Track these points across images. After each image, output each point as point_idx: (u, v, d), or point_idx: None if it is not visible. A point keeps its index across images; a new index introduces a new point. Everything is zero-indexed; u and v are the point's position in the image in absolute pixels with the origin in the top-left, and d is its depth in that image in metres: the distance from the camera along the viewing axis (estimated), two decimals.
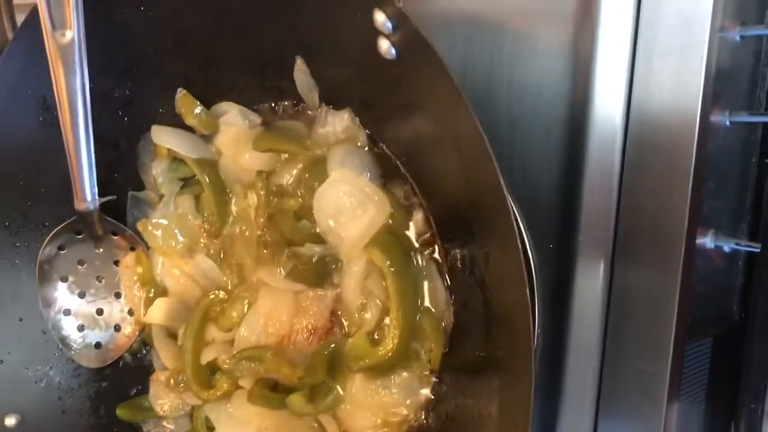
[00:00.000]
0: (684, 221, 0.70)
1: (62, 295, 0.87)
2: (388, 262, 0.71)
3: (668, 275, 0.69)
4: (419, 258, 0.74)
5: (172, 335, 0.87)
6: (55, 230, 0.84)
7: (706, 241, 0.73)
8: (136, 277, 0.88)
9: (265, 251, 0.80)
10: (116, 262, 0.89)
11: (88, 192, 0.79)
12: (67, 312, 0.86)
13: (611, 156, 0.73)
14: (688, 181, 0.69)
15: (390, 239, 0.73)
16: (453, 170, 0.64)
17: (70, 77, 0.71)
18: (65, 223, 0.84)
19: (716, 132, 0.72)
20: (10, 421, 0.82)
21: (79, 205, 0.80)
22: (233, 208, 0.83)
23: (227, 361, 0.78)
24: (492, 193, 0.54)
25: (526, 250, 0.57)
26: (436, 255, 0.74)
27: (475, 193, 0.59)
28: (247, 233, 0.82)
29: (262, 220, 0.81)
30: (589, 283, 0.72)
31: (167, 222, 0.84)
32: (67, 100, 0.72)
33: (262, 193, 0.81)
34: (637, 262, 0.70)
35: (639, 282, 0.70)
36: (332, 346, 0.77)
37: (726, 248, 0.75)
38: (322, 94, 0.79)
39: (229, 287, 0.83)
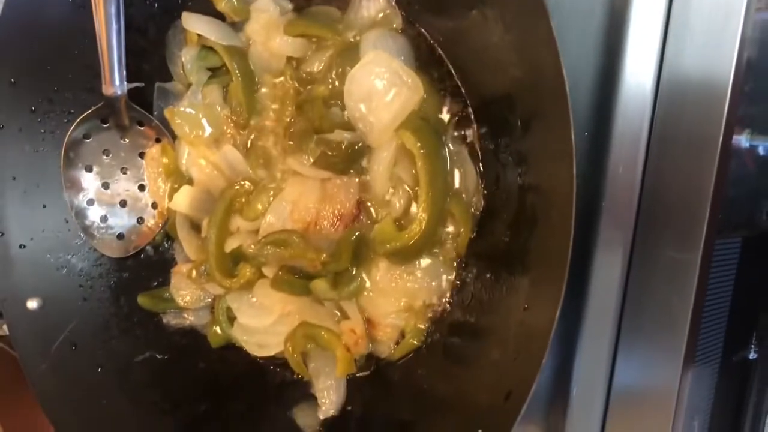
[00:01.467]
0: (722, 118, 0.68)
1: (86, 184, 0.87)
2: (419, 144, 0.70)
3: (703, 168, 0.68)
4: (451, 142, 0.73)
5: (195, 227, 0.87)
6: (81, 116, 0.83)
7: (742, 139, 0.72)
8: (161, 169, 0.88)
9: (292, 141, 0.79)
10: (141, 155, 0.88)
11: (117, 76, 0.79)
12: (90, 202, 0.86)
13: (650, 52, 0.71)
14: (728, 79, 0.68)
15: (422, 123, 0.72)
16: (499, 48, 0.63)
17: None
18: (92, 109, 0.83)
19: (757, 29, 0.71)
20: (32, 304, 0.82)
21: (107, 90, 0.80)
22: (261, 97, 0.82)
23: (252, 246, 0.78)
24: (548, 64, 0.53)
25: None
26: (469, 138, 0.73)
27: (527, 68, 0.58)
28: (274, 123, 0.81)
29: (290, 108, 0.80)
30: (623, 175, 0.71)
31: (194, 111, 0.83)
32: None
33: (291, 81, 0.80)
34: (672, 156, 0.69)
35: (674, 174, 0.69)
36: (357, 234, 0.76)
37: (761, 149, 0.74)
38: None
39: (255, 178, 0.82)
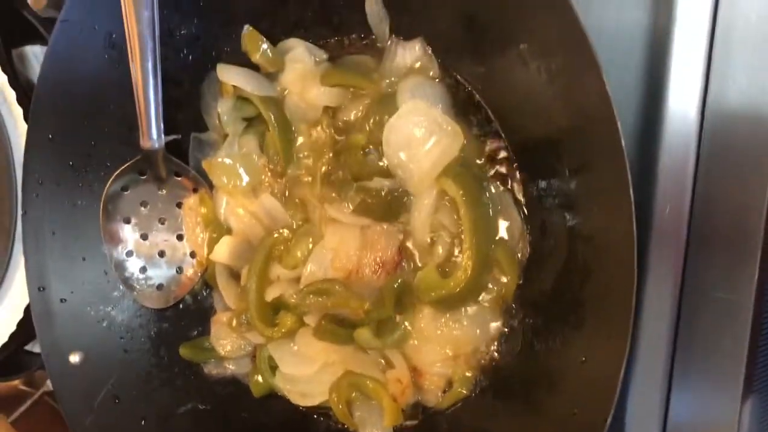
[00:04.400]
0: None
1: (125, 236, 0.87)
2: (461, 192, 0.70)
3: (754, 204, 0.67)
4: (493, 188, 0.73)
5: (234, 276, 0.87)
6: (119, 170, 0.83)
7: None
8: (199, 219, 0.88)
9: (330, 189, 0.79)
10: (179, 204, 0.89)
11: (154, 130, 0.79)
12: (129, 253, 0.86)
13: (694, 86, 0.70)
14: None
15: (463, 170, 0.72)
16: (542, 96, 0.62)
17: (140, 10, 0.71)
18: (130, 162, 0.84)
19: None
20: (74, 358, 0.82)
21: (145, 144, 0.80)
22: (298, 146, 0.82)
23: (294, 295, 0.77)
24: (599, 116, 0.53)
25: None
26: (512, 184, 0.72)
27: (574, 117, 0.58)
28: (312, 171, 0.81)
29: (327, 156, 0.80)
30: (669, 214, 0.70)
31: (232, 161, 0.84)
32: (137, 33, 0.72)
33: (327, 129, 0.80)
34: (720, 192, 0.68)
35: (722, 211, 0.68)
36: (400, 281, 0.75)
37: None
38: (392, 26, 0.77)
39: (294, 226, 0.82)
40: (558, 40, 0.57)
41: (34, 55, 1.02)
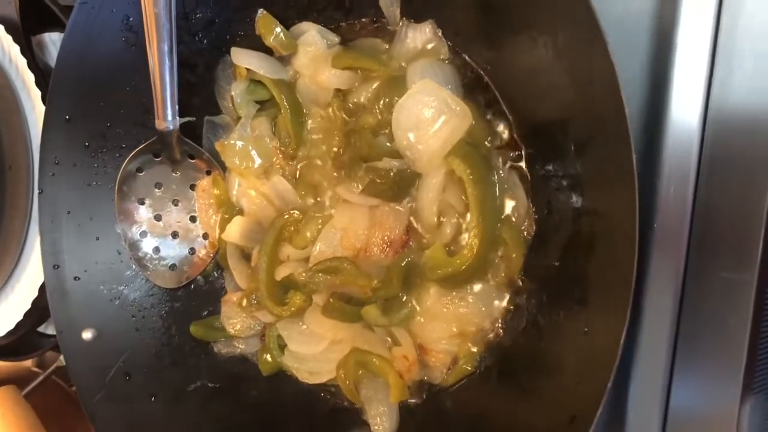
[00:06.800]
0: None
1: (139, 217, 0.89)
2: (469, 171, 0.71)
3: (757, 184, 0.68)
4: (500, 168, 0.74)
5: (245, 257, 0.88)
6: (135, 151, 0.85)
7: None
8: (211, 200, 0.90)
9: (340, 170, 0.80)
10: (192, 186, 0.90)
11: (169, 111, 0.81)
12: (143, 234, 0.88)
13: (698, 78, 0.71)
14: None
15: (470, 149, 0.73)
16: (549, 72, 0.63)
17: None
18: (145, 143, 0.85)
19: None
20: (87, 335, 0.84)
21: (160, 125, 0.82)
22: (309, 129, 0.84)
23: (303, 274, 0.79)
24: (604, 86, 0.54)
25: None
26: (518, 163, 0.73)
27: (580, 91, 0.59)
28: (322, 153, 0.83)
29: (338, 138, 0.81)
30: (674, 196, 0.71)
31: (244, 143, 0.85)
32: (154, 15, 0.74)
33: (338, 111, 0.81)
34: (724, 176, 0.69)
35: (726, 194, 0.69)
36: (407, 259, 0.77)
37: None
38: (403, 9, 0.79)
39: (304, 207, 0.83)
40: (564, 13, 0.58)
41: (52, 42, 1.04)
